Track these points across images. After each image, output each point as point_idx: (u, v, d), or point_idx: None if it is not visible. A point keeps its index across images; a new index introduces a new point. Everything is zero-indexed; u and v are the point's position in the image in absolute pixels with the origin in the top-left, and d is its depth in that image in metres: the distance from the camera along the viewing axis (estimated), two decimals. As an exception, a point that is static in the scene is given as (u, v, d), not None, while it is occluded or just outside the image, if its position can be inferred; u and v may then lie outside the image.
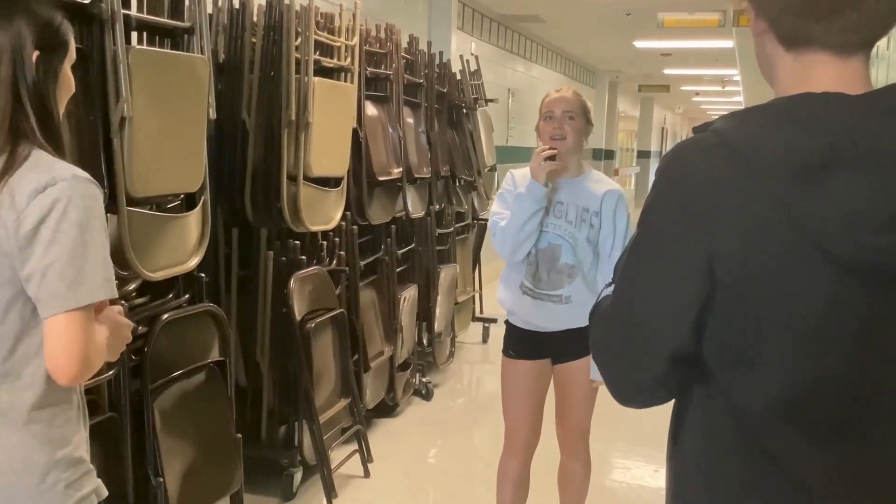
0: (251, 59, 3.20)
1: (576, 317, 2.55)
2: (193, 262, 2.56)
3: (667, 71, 14.18)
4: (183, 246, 2.53)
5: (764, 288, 0.88)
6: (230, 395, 2.83)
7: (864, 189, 0.84)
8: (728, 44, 10.15)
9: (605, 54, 12.61)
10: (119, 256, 2.26)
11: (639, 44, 11.07)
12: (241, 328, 3.39)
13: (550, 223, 2.55)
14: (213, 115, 2.65)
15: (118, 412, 2.25)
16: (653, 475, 3.85)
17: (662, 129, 24.20)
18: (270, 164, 3.21)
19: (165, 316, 2.46)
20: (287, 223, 3.24)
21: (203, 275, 2.69)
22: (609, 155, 16.00)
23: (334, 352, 3.58)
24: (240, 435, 2.81)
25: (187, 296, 2.65)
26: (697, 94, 19.26)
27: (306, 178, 3.28)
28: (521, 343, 2.67)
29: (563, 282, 2.56)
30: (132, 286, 2.47)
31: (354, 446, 3.66)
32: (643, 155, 21.24)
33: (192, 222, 2.57)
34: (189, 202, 2.60)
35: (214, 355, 2.70)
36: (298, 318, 3.28)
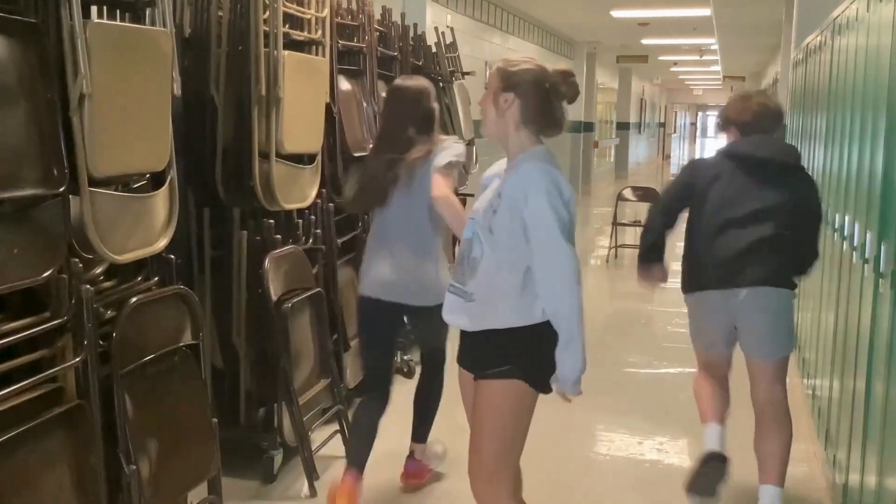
0: (218, 32, 3.12)
1: (480, 317, 2.26)
2: (161, 243, 2.49)
3: (645, 41, 14.13)
4: (150, 227, 2.46)
5: (707, 179, 3.00)
6: (205, 379, 2.77)
7: (754, 149, 3.01)
8: (706, 12, 10.09)
9: (583, 25, 12.53)
10: (82, 238, 2.19)
11: (616, 13, 10.99)
12: (215, 310, 3.33)
13: (474, 212, 2.31)
14: (177, 90, 2.58)
15: (87, 399, 2.18)
16: (636, 447, 3.84)
17: (641, 100, 24.16)
18: (241, 141, 3.13)
19: (133, 299, 2.38)
20: (260, 202, 3.17)
21: (173, 256, 2.62)
22: (588, 127, 15.94)
23: (313, 332, 3.52)
24: (216, 419, 2.74)
25: (157, 278, 2.58)
26: (675, 63, 19.25)
27: (279, 155, 3.21)
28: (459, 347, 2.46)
29: (468, 277, 2.26)
30: (99, 269, 2.40)
31: (336, 426, 3.62)
32: (622, 126, 21.19)
33: (160, 202, 2.50)
34: (156, 182, 2.52)
35: (187, 338, 2.63)
36: (275, 298, 3.22)
